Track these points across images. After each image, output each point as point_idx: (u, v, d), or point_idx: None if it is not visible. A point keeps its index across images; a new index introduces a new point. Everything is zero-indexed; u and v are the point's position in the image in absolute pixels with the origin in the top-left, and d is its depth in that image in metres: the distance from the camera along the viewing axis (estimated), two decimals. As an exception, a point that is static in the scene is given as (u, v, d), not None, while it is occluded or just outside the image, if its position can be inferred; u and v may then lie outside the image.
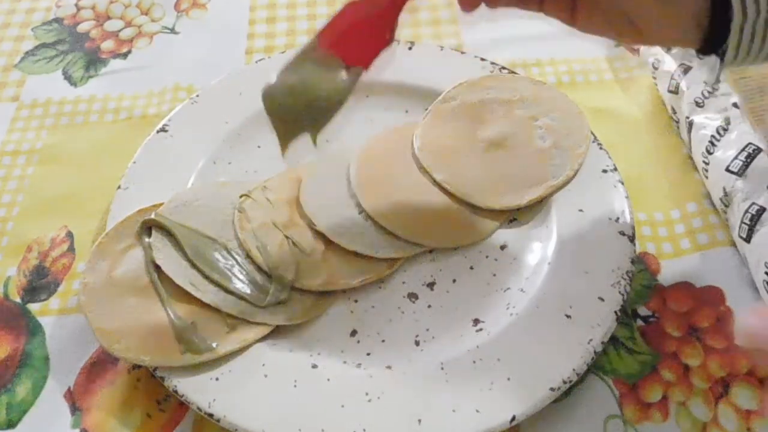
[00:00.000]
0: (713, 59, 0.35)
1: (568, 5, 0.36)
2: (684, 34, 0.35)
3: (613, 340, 0.41)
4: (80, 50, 0.59)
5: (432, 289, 0.42)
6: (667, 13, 0.34)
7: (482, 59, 0.52)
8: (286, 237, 0.42)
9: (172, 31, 0.60)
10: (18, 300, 0.44)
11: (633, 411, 0.38)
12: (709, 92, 0.46)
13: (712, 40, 0.35)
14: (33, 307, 0.43)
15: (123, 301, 0.39)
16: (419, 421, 0.36)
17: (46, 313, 0.43)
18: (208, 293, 0.40)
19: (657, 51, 0.52)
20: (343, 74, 0.36)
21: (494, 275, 0.43)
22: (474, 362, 0.38)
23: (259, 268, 0.41)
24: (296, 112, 0.36)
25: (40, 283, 0.44)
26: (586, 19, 0.37)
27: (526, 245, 0.44)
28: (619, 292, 0.40)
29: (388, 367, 0.39)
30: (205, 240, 0.42)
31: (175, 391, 0.37)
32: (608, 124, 0.51)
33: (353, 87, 0.36)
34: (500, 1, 0.38)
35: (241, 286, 0.41)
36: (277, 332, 0.40)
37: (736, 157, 0.44)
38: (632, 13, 0.35)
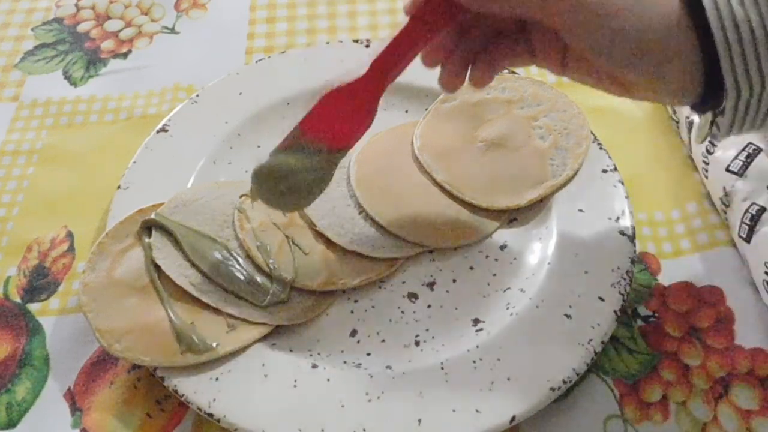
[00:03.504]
0: (707, 115, 0.35)
1: (558, 60, 0.37)
2: (673, 101, 0.35)
3: (613, 340, 0.41)
4: (80, 50, 0.59)
5: (432, 289, 0.42)
6: (655, 86, 0.34)
7: (482, 59, 0.51)
8: (286, 237, 0.42)
9: (172, 31, 0.60)
10: (18, 300, 0.44)
11: (633, 411, 0.38)
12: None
13: (705, 105, 0.34)
14: (33, 307, 0.43)
15: (123, 301, 0.39)
16: (419, 421, 0.36)
17: (46, 313, 0.43)
18: (208, 293, 0.40)
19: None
20: (326, 157, 0.38)
21: (494, 275, 0.43)
22: (474, 362, 0.38)
23: (259, 268, 0.41)
24: (282, 196, 0.39)
25: (40, 283, 0.44)
26: (576, 73, 0.37)
27: (526, 245, 0.44)
28: (619, 292, 0.40)
29: (388, 367, 0.39)
30: (205, 240, 0.42)
31: (175, 391, 0.37)
32: (608, 124, 0.51)
33: (336, 168, 0.38)
34: (493, 70, 0.38)
35: (241, 286, 0.41)
36: (277, 332, 0.40)
37: (736, 157, 0.44)
38: (620, 78, 0.35)
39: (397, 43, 0.36)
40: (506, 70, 0.51)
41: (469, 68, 0.38)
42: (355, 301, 0.42)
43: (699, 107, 0.35)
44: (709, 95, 0.33)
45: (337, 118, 0.37)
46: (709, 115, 0.35)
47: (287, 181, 0.38)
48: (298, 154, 0.38)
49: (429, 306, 0.42)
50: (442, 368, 0.38)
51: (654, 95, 0.35)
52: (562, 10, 0.33)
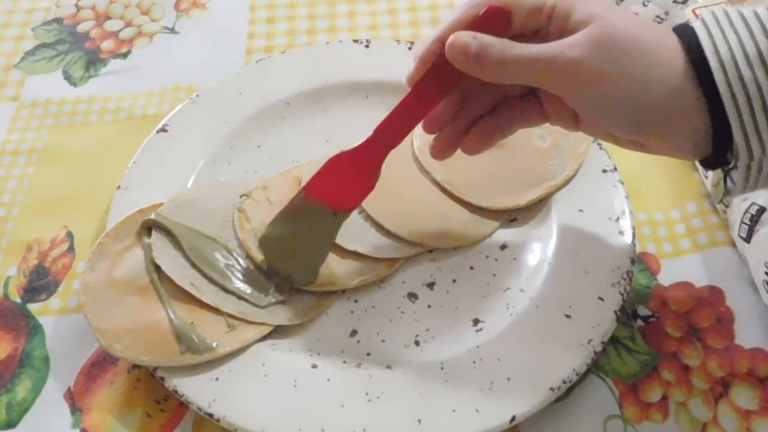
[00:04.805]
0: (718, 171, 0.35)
1: (572, 120, 0.37)
2: (687, 157, 0.35)
3: (613, 340, 0.41)
4: (80, 50, 0.59)
5: (432, 289, 0.42)
6: (666, 145, 0.34)
7: (482, 59, 0.51)
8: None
9: (172, 31, 0.60)
10: (18, 300, 0.44)
11: (633, 411, 0.38)
12: None
13: (716, 161, 0.34)
14: (33, 307, 0.43)
15: (123, 301, 0.39)
16: (419, 421, 0.36)
17: (46, 313, 0.43)
18: (208, 293, 0.40)
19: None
20: (330, 220, 0.39)
21: (494, 275, 0.43)
22: (474, 362, 0.38)
23: (259, 268, 0.41)
24: (290, 260, 0.41)
25: (40, 283, 0.44)
26: (591, 132, 0.37)
27: (526, 245, 0.44)
28: (619, 292, 0.40)
29: (388, 367, 0.39)
30: (205, 240, 0.42)
31: (175, 391, 0.37)
32: (608, 124, 0.50)
33: (339, 229, 0.40)
34: (506, 129, 0.39)
35: (241, 286, 0.41)
36: (277, 332, 0.40)
37: (736, 157, 0.44)
38: (633, 138, 0.35)
39: (400, 112, 0.37)
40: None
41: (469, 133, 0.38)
42: (355, 301, 0.42)
43: (711, 164, 0.34)
44: (721, 152, 0.33)
45: (342, 182, 0.39)
46: (720, 172, 0.35)
47: (293, 246, 0.40)
48: (302, 218, 0.40)
49: (429, 306, 0.42)
50: (442, 368, 0.38)
51: (668, 152, 0.35)
52: (563, 78, 0.33)
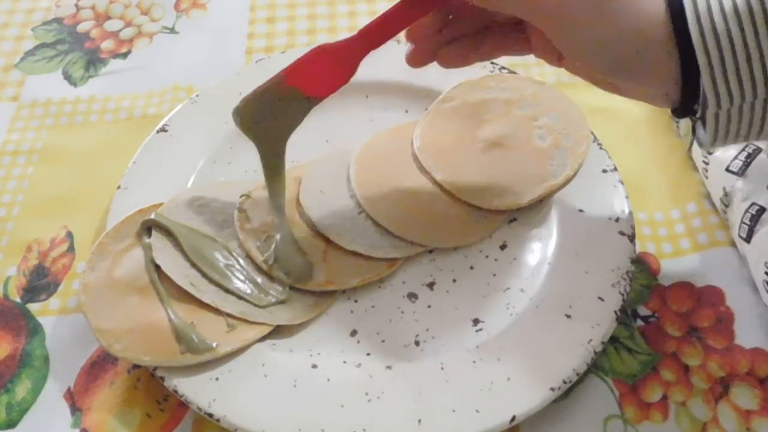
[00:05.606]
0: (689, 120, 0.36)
1: (555, 55, 0.38)
2: (660, 104, 0.36)
3: (613, 340, 0.41)
4: (80, 50, 0.59)
5: (432, 289, 0.42)
6: (639, 90, 0.35)
7: (482, 59, 0.51)
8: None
9: (172, 31, 0.60)
10: (18, 300, 0.44)
11: (633, 411, 0.38)
12: None
13: (687, 108, 0.35)
14: (33, 307, 0.43)
15: (123, 301, 0.39)
16: (419, 421, 0.36)
17: (46, 313, 0.43)
18: (208, 293, 0.40)
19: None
20: (303, 104, 0.41)
21: (494, 275, 0.43)
22: (474, 362, 0.38)
23: (259, 268, 0.41)
24: (258, 131, 0.42)
25: (40, 283, 0.44)
26: (571, 69, 0.38)
27: (526, 245, 0.44)
28: (619, 292, 0.40)
29: (388, 367, 0.39)
30: (205, 240, 0.42)
31: (175, 391, 0.37)
32: (608, 124, 0.51)
33: (307, 114, 0.41)
34: (487, 54, 0.40)
35: (241, 286, 0.41)
36: (277, 332, 0.40)
37: (736, 157, 0.44)
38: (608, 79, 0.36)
39: (388, 17, 0.38)
40: (506, 70, 0.51)
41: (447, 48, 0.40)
42: (355, 301, 0.42)
43: (681, 112, 0.35)
44: (691, 102, 0.34)
45: (320, 71, 0.40)
46: (689, 121, 0.35)
47: (264, 122, 0.41)
48: (276, 99, 0.41)
49: (429, 306, 0.42)
50: (442, 368, 0.38)
51: (641, 97, 0.36)
52: (547, 15, 0.33)
